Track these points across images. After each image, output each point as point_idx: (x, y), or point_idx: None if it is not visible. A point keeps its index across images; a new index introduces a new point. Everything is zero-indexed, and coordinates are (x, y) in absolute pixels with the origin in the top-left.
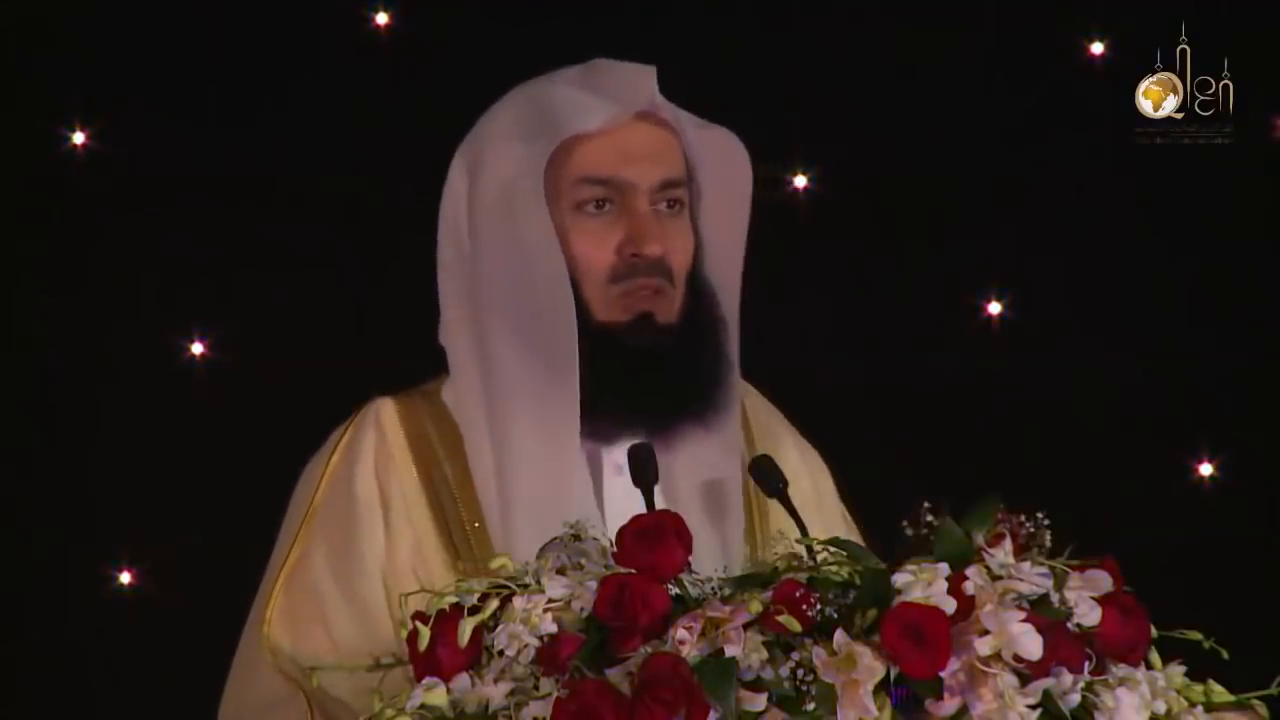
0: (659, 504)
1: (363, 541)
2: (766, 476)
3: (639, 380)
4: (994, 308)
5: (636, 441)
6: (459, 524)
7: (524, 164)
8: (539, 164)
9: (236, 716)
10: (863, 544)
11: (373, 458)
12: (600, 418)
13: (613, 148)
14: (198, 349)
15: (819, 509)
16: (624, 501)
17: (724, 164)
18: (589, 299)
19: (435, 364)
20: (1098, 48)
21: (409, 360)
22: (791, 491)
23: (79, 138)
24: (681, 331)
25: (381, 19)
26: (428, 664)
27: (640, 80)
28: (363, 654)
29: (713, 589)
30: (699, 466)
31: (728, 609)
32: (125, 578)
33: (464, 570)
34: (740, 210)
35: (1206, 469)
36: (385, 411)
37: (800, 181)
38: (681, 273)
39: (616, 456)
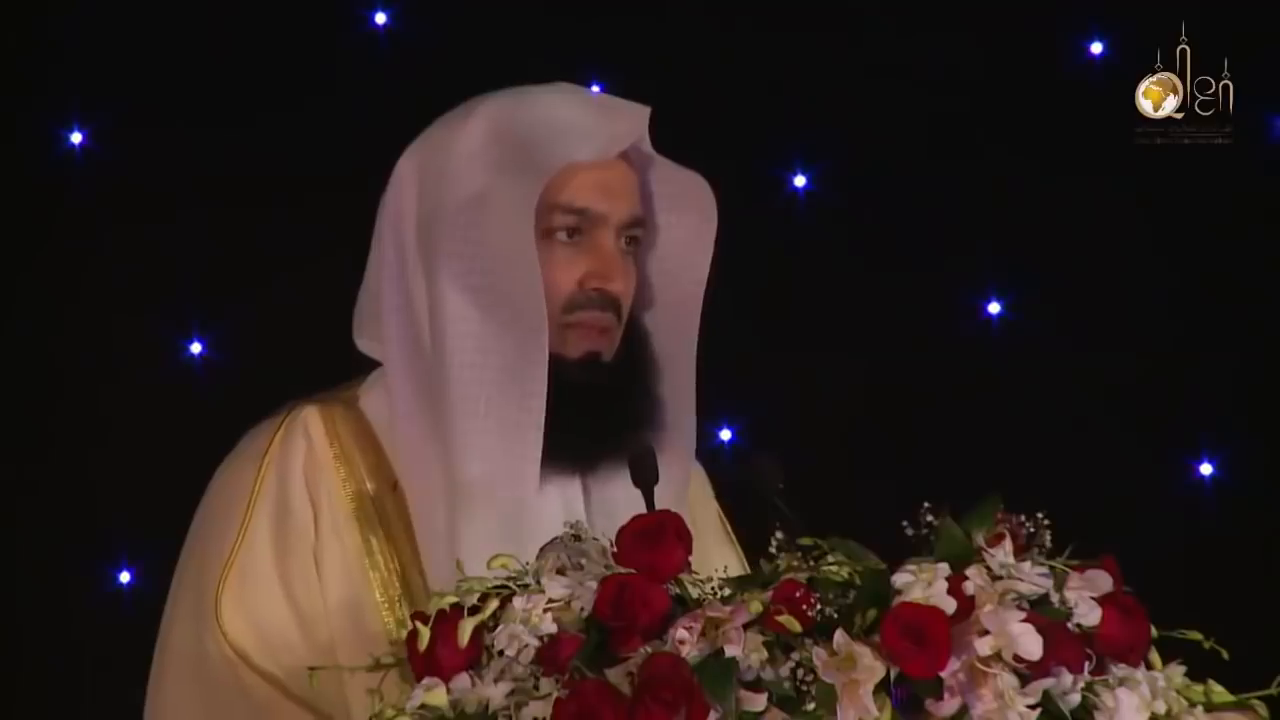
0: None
1: (305, 556)
2: (764, 478)
3: (572, 416)
4: (994, 308)
5: (640, 448)
6: (382, 536)
7: (506, 181)
8: (535, 185)
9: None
10: (735, 546)
11: (303, 467)
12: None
13: (594, 179)
14: (197, 349)
15: (706, 525)
16: (548, 523)
17: (689, 209)
18: None
19: None
20: (1098, 48)
21: None
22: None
23: (77, 138)
24: (618, 370)
25: (381, 19)
26: (428, 664)
27: (638, 117)
28: (306, 665)
29: (713, 589)
30: (618, 506)
31: (728, 609)
32: (125, 578)
33: (392, 582)
34: (701, 254)
35: (1206, 469)
36: (311, 419)
37: (800, 181)
38: (625, 311)
39: (562, 490)
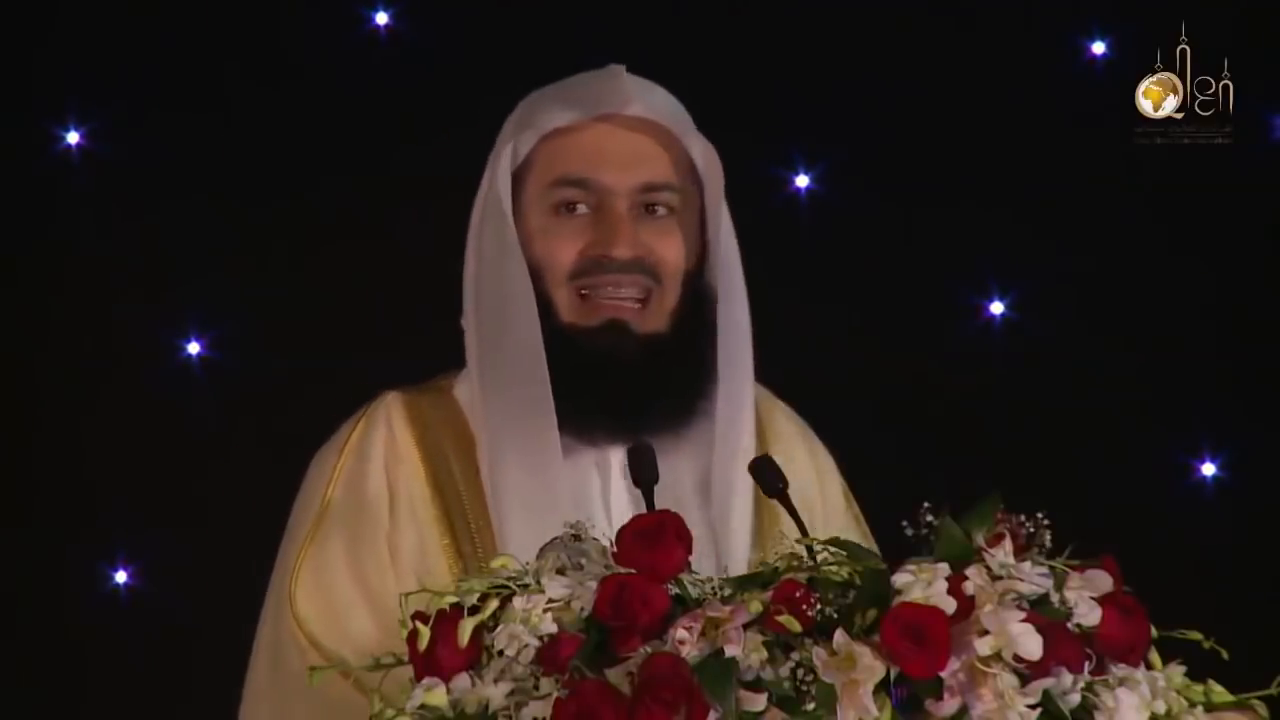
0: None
1: (378, 542)
2: (765, 477)
3: (596, 385)
4: (994, 308)
5: (634, 443)
6: (464, 523)
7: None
8: (505, 157)
9: None
10: (872, 546)
11: (383, 456)
12: (573, 419)
13: (589, 150)
14: (196, 349)
15: (824, 512)
16: (628, 503)
17: (705, 174)
18: (553, 298)
19: (431, 365)
20: (1098, 48)
21: (408, 359)
22: (797, 493)
23: (74, 137)
24: (668, 338)
25: (381, 19)
26: (428, 664)
27: (602, 84)
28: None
29: (713, 589)
30: (671, 474)
31: (728, 609)
32: (123, 577)
33: (468, 570)
34: (724, 216)
35: (1207, 469)
36: (395, 408)
37: (801, 181)
38: (673, 277)
39: (621, 457)
